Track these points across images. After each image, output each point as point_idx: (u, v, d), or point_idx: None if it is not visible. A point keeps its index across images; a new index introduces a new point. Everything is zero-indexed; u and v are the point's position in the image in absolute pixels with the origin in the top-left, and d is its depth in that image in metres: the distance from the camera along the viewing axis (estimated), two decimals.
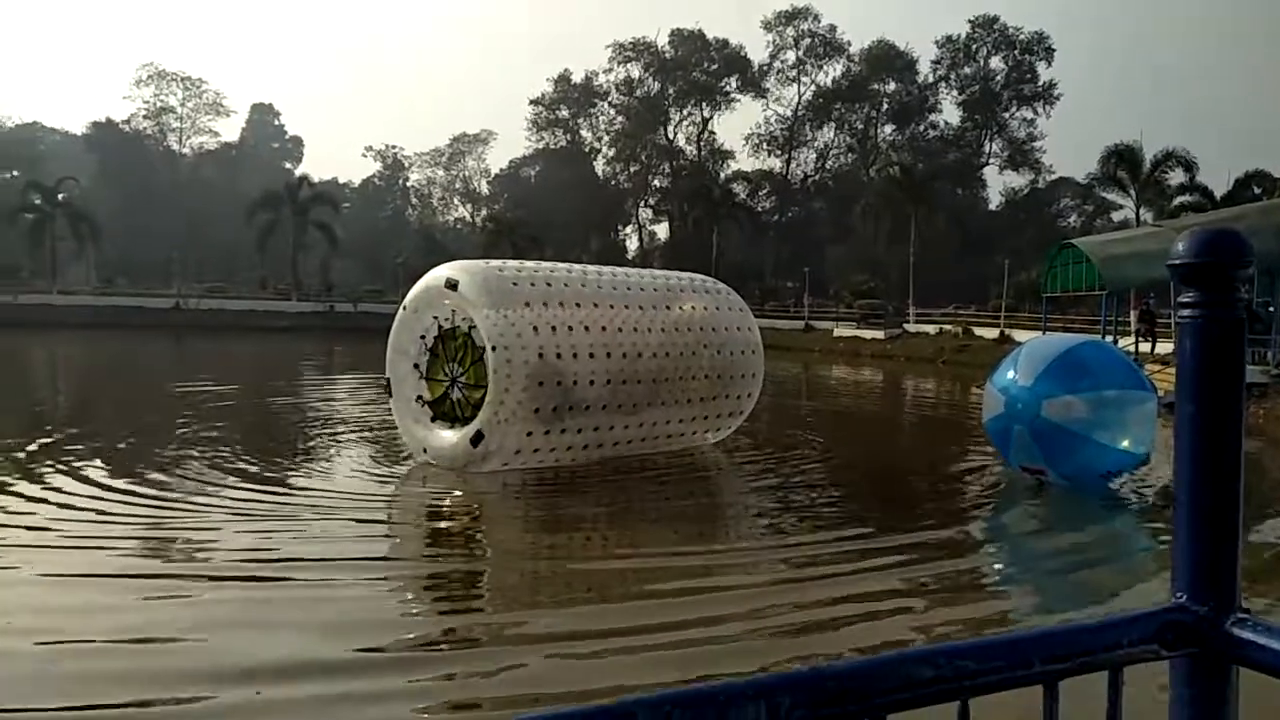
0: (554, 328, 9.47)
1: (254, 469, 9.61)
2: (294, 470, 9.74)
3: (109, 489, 8.29)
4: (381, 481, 9.37)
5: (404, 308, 10.07)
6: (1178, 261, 1.06)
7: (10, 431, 11.88)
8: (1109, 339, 23.26)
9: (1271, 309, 21.63)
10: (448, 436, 9.53)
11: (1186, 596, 1.02)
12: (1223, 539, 1.03)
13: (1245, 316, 1.08)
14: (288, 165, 77.68)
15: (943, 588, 6.27)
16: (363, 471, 9.81)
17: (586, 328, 9.75)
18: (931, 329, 41.11)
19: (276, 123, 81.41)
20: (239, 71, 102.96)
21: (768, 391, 12.85)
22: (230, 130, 78.58)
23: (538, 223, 60.29)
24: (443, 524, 8.10)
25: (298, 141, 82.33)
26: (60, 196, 53.41)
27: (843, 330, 43.79)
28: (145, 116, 73.16)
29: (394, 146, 79.59)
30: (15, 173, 64.78)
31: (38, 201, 53.29)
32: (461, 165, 79.22)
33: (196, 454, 10.35)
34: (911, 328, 42.64)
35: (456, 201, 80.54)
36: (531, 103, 71.15)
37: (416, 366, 9.92)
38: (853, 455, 12.43)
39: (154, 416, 13.95)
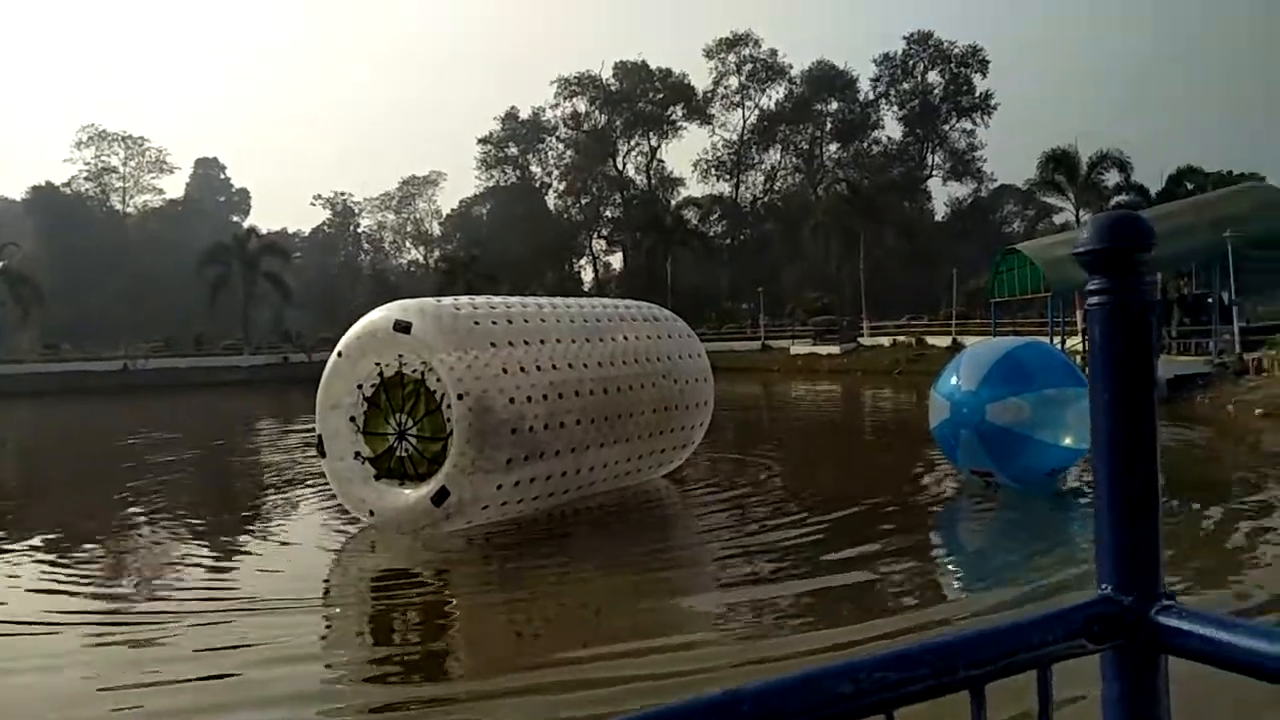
0: (523, 368, 8.69)
1: (202, 548, 9.04)
2: (245, 545, 9.12)
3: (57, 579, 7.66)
4: (333, 552, 8.63)
5: (338, 354, 8.91)
6: (1081, 249, 1.05)
7: None
8: (1057, 340, 23.70)
9: (1210, 300, 22.19)
10: (402, 496, 8.51)
11: (1111, 587, 0.99)
12: (1144, 526, 1.01)
13: (1153, 300, 1.07)
14: (235, 218, 76.65)
15: (898, 595, 6.28)
16: (314, 539, 9.15)
17: (539, 366, 8.90)
18: (886, 341, 41.57)
19: (222, 176, 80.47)
20: (181, 127, 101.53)
21: (728, 409, 12.76)
22: (175, 187, 77.51)
23: (492, 260, 60.10)
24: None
25: (244, 194, 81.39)
26: (0, 264, 52.21)
27: (799, 348, 44.11)
28: (87, 178, 72.02)
29: (343, 193, 79.07)
30: None
31: None
32: (412, 208, 78.87)
33: (145, 524, 10.04)
34: (867, 341, 43.07)
35: (409, 244, 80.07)
36: (480, 141, 71.34)
37: (353, 420, 8.88)
38: (809, 473, 12.38)
39: (99, 487, 13.52)
